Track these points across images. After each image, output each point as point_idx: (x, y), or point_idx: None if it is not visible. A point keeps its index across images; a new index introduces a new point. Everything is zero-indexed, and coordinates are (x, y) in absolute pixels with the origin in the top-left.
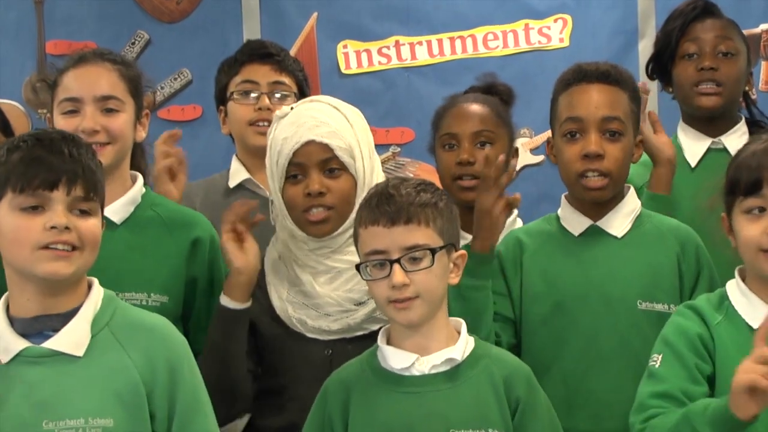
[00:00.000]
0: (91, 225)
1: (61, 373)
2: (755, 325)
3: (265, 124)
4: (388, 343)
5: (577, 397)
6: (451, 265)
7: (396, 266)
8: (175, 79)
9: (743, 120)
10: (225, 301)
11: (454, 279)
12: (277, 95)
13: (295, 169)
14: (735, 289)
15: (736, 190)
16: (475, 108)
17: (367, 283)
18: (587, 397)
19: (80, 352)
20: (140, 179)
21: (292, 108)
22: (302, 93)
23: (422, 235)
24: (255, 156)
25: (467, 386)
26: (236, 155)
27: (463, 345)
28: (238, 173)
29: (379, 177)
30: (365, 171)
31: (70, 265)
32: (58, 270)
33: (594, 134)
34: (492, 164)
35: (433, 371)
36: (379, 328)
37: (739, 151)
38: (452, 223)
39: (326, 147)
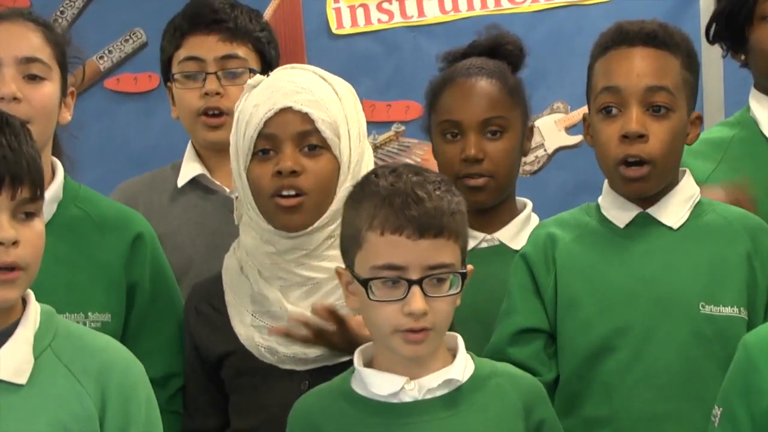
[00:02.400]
0: (38, 233)
1: (0, 404)
2: None
3: (215, 112)
4: (368, 365)
5: (623, 419)
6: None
7: (416, 289)
8: (126, 41)
9: None
10: None
11: (459, 299)
12: (230, 74)
13: (265, 143)
14: None
15: None
16: (483, 87)
17: (363, 305)
18: (636, 419)
19: (23, 380)
20: (60, 168)
21: (267, 75)
22: (265, 63)
23: (450, 252)
24: (210, 152)
25: (474, 412)
26: (192, 144)
27: (463, 363)
28: (189, 168)
29: (369, 168)
30: (351, 155)
31: (15, 289)
32: (3, 298)
33: (635, 109)
34: None
35: (429, 396)
36: None
37: None
38: (467, 232)
39: (306, 117)
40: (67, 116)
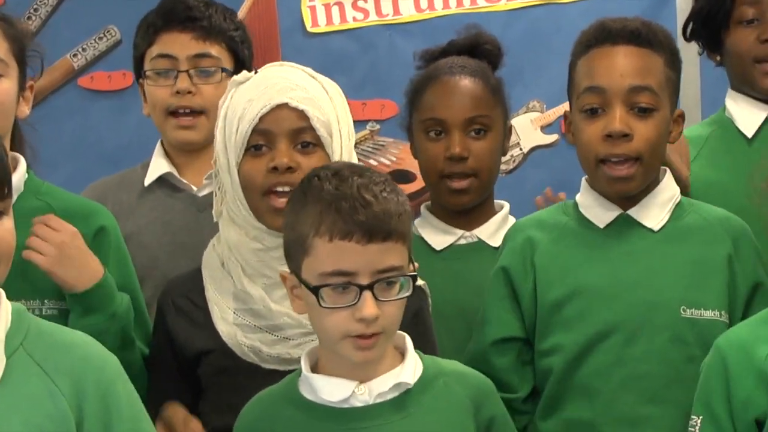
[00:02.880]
0: (8, 230)
1: None
2: None
3: (187, 111)
4: (315, 369)
5: (604, 422)
6: None
7: (367, 294)
8: (100, 38)
9: None
10: None
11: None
12: (203, 72)
13: (260, 138)
14: None
15: None
16: (467, 85)
17: (311, 310)
18: (617, 422)
19: None
20: (22, 163)
21: (255, 72)
22: (238, 62)
23: (398, 254)
24: (179, 151)
25: (425, 413)
26: (161, 141)
27: (413, 365)
28: (156, 166)
29: None
30: (343, 153)
31: None
32: None
33: (619, 109)
34: None
35: (379, 400)
36: None
37: None
38: (411, 232)
39: (301, 114)
40: (25, 110)
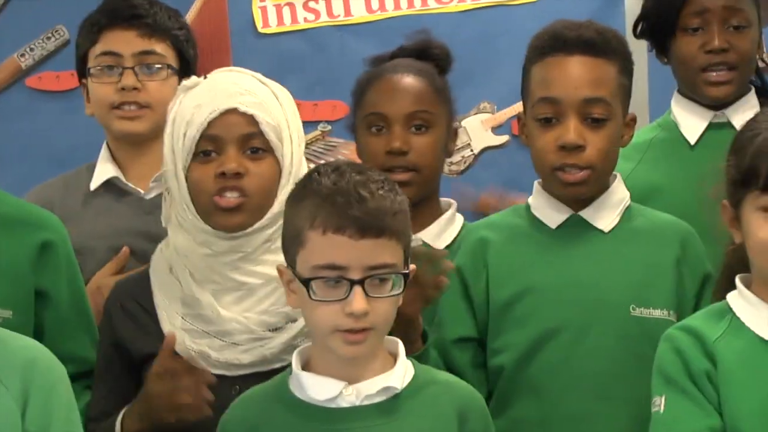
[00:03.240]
0: None
1: None
2: None
3: (132, 107)
4: (306, 368)
5: (553, 419)
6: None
7: (357, 289)
8: (49, 38)
9: (753, 90)
10: None
11: (400, 300)
12: (147, 69)
13: (208, 144)
14: (739, 299)
15: (752, 182)
16: (409, 82)
17: (303, 304)
18: (565, 420)
19: None
20: None
21: (205, 77)
22: (183, 61)
23: (391, 252)
24: (124, 146)
25: (410, 420)
26: (107, 143)
27: (402, 370)
28: (102, 170)
29: (304, 171)
30: (293, 159)
31: None
32: None
33: (573, 120)
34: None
35: (366, 402)
36: None
37: (750, 134)
38: (410, 232)
39: (251, 120)
40: None
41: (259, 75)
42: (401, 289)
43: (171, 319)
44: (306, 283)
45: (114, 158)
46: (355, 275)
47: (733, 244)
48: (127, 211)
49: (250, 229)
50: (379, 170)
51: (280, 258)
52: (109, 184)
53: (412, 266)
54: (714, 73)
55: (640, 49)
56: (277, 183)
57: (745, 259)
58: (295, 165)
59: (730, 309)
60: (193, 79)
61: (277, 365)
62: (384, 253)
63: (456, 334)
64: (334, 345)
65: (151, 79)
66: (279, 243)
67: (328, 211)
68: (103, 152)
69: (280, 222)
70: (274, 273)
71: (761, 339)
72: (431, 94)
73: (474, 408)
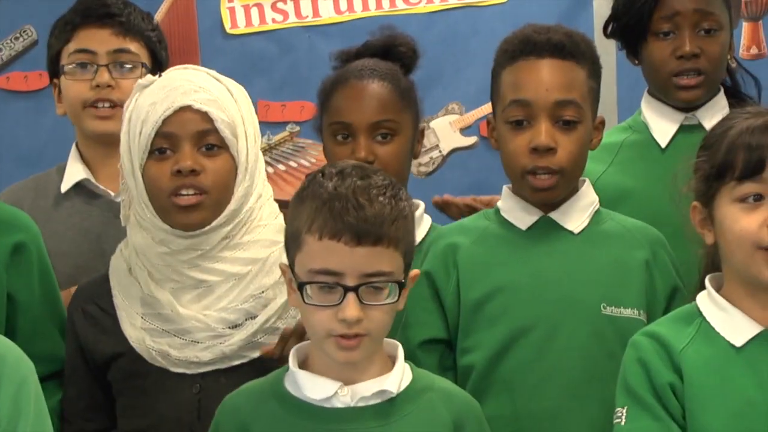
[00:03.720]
0: None
1: None
2: (739, 343)
3: (106, 105)
4: (303, 366)
5: (525, 417)
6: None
7: (351, 296)
8: (17, 38)
9: (722, 91)
10: None
11: (401, 304)
12: (121, 67)
13: (163, 142)
14: (709, 303)
15: (727, 173)
16: (374, 89)
17: (301, 305)
18: (538, 418)
19: None
20: None
21: (159, 75)
22: (156, 61)
23: (388, 260)
24: (96, 145)
25: (404, 425)
26: (76, 144)
27: (399, 374)
28: (72, 172)
29: (262, 172)
30: (248, 155)
31: None
32: None
33: (545, 123)
34: None
35: (361, 404)
36: (260, 357)
37: (722, 130)
38: (414, 236)
39: (205, 116)
40: None
41: (214, 72)
42: (396, 298)
43: (131, 320)
44: (300, 287)
45: (83, 158)
46: (350, 282)
47: (704, 247)
48: (98, 214)
49: (207, 227)
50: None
51: (239, 254)
52: (80, 186)
53: (415, 271)
54: (685, 78)
55: (608, 48)
56: (234, 179)
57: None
58: (251, 161)
59: (700, 313)
60: (148, 77)
61: (237, 362)
62: (381, 261)
63: (422, 336)
64: (328, 349)
65: (124, 78)
66: (238, 239)
67: (325, 217)
68: (73, 152)
69: (238, 219)
70: (233, 270)
71: (732, 346)
72: (396, 100)
73: (470, 417)
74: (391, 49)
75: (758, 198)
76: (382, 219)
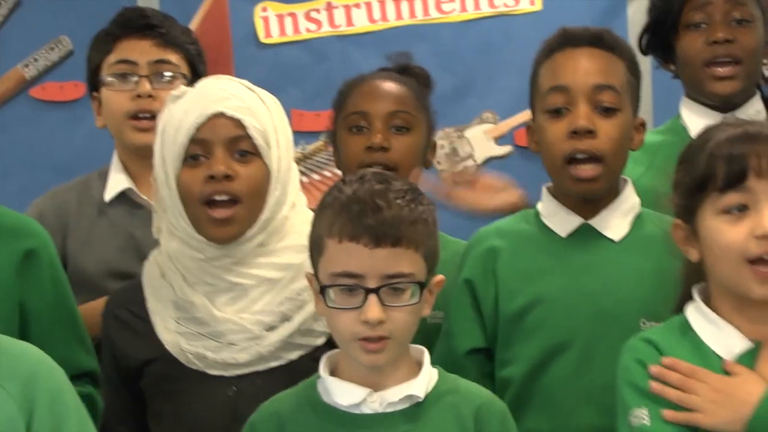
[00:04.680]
0: None
1: None
2: (729, 358)
3: (147, 116)
4: (333, 373)
5: None
6: (427, 293)
7: (372, 298)
8: (52, 49)
9: (758, 94)
10: None
11: (426, 310)
12: (161, 78)
13: (197, 149)
14: (698, 315)
15: (709, 184)
16: (391, 84)
17: (326, 311)
18: None
19: None
20: None
21: (191, 83)
22: (195, 73)
23: (409, 261)
24: (137, 158)
25: (432, 428)
26: (117, 152)
27: (426, 379)
28: (116, 182)
29: (295, 181)
30: (281, 164)
31: None
32: None
33: (583, 106)
34: None
35: (389, 409)
36: (300, 358)
37: (700, 142)
38: (437, 240)
39: (238, 123)
40: None
41: (246, 82)
42: (417, 299)
43: (165, 324)
44: (322, 290)
45: (126, 168)
46: (371, 284)
47: (688, 264)
48: (141, 224)
49: (241, 239)
50: (353, 167)
51: (274, 260)
52: (123, 196)
53: (439, 277)
54: (719, 69)
55: (644, 60)
56: (267, 187)
57: (701, 274)
58: (284, 170)
59: (690, 326)
60: (181, 88)
61: (274, 363)
62: (400, 262)
63: (467, 345)
64: (354, 353)
65: (165, 89)
66: (271, 246)
67: (345, 220)
68: (116, 162)
69: (272, 227)
70: (268, 275)
71: (723, 360)
72: (412, 98)
73: (490, 411)
74: (406, 69)
75: (742, 208)
76: (400, 220)
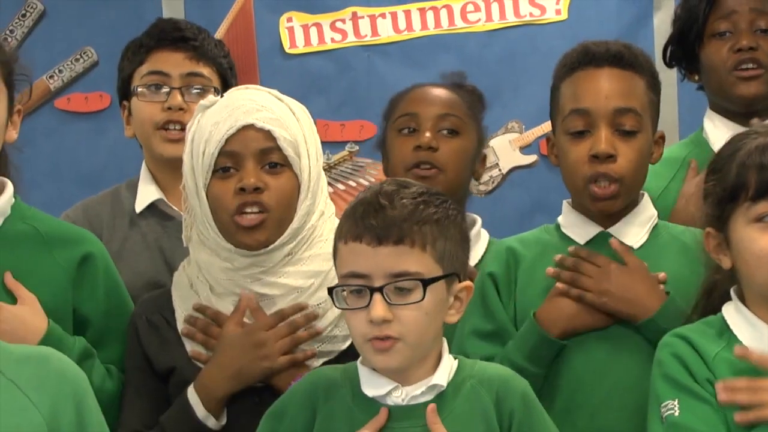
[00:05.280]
0: None
1: None
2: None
3: (177, 127)
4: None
5: None
6: (452, 299)
7: (377, 296)
8: (77, 60)
9: None
10: (205, 416)
11: (453, 317)
12: (194, 90)
13: (227, 160)
14: (735, 315)
15: (741, 194)
16: (441, 91)
17: (344, 313)
18: None
19: None
20: (9, 187)
21: (221, 96)
22: (226, 86)
23: (415, 260)
24: (166, 168)
25: (455, 417)
26: (146, 163)
27: (447, 368)
28: (146, 193)
29: (324, 190)
30: (311, 174)
31: None
32: None
33: (604, 130)
34: None
35: (413, 402)
36: (323, 365)
37: (730, 152)
38: (460, 246)
39: (268, 135)
40: (13, 135)
41: (275, 92)
42: (422, 297)
43: None
44: (329, 292)
45: (155, 179)
46: (377, 283)
47: (718, 271)
48: (171, 235)
49: (271, 246)
50: (401, 170)
51: (302, 268)
52: (153, 206)
53: (467, 283)
54: (744, 70)
55: (670, 73)
56: (296, 197)
57: (724, 281)
58: (313, 179)
59: (727, 325)
60: (210, 98)
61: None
62: (405, 261)
63: (483, 326)
64: (367, 355)
65: (196, 101)
66: (299, 255)
67: (351, 222)
68: (145, 173)
69: (301, 236)
70: (296, 283)
71: None
72: (462, 105)
73: (508, 388)
74: (460, 87)
75: None
76: (403, 219)
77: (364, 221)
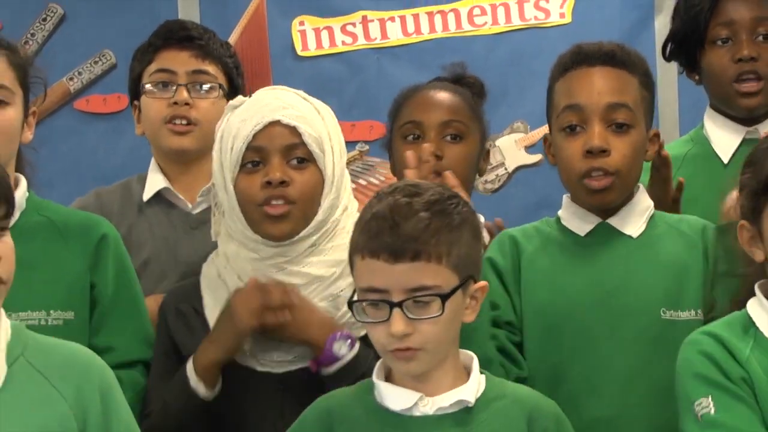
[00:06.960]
0: (10, 247)
1: None
2: None
3: (183, 122)
4: (387, 379)
5: (591, 426)
6: (468, 299)
7: (396, 312)
8: (96, 62)
9: None
10: (196, 383)
11: (470, 316)
12: (199, 87)
13: (254, 155)
14: (761, 311)
15: None
16: (444, 94)
17: (365, 324)
18: (603, 427)
19: None
20: (23, 182)
21: (250, 96)
22: (232, 84)
23: (432, 274)
24: (172, 161)
25: (482, 430)
26: (154, 157)
27: (475, 385)
28: (153, 182)
29: (348, 186)
30: (335, 169)
31: None
32: None
33: (597, 126)
34: None
35: (440, 413)
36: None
37: (767, 144)
38: (473, 247)
39: (293, 131)
40: (29, 136)
41: (301, 92)
42: (441, 311)
43: None
44: (350, 305)
45: (162, 170)
46: (396, 297)
47: (751, 264)
48: (175, 224)
49: (296, 237)
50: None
51: (324, 258)
52: (159, 196)
53: (483, 283)
54: (746, 84)
55: (671, 66)
56: (321, 192)
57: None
58: (338, 175)
59: (753, 321)
60: (239, 98)
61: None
62: (423, 276)
63: (503, 317)
64: (390, 363)
65: (202, 98)
66: (323, 246)
67: (365, 238)
68: (153, 165)
69: (324, 228)
70: (318, 272)
71: None
72: (465, 108)
73: (541, 410)
74: (459, 82)
75: None
76: (418, 234)
77: (378, 239)
